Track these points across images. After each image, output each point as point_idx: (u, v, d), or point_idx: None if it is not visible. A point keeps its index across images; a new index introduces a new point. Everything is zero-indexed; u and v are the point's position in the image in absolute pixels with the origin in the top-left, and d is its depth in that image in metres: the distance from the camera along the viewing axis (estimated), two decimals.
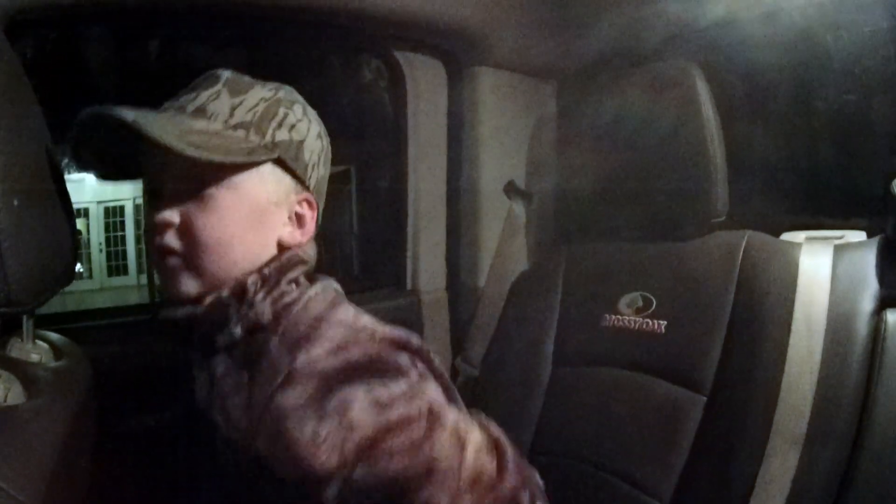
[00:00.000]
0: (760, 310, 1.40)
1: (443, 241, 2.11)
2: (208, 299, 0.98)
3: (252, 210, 1.00)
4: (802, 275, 1.38)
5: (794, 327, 1.34)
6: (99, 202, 16.43)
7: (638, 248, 1.63)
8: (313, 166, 1.07)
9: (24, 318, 1.11)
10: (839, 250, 1.40)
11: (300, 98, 1.09)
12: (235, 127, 0.98)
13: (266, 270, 1.01)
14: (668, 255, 1.61)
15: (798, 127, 1.92)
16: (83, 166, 1.05)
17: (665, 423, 1.45)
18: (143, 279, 14.64)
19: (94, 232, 16.41)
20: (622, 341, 1.58)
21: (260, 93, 1.02)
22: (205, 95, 0.99)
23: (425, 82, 1.99)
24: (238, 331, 0.99)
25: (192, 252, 0.97)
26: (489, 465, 0.96)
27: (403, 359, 0.96)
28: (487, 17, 1.81)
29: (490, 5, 1.79)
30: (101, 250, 16.25)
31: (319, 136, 1.09)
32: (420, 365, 0.98)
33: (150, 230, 0.99)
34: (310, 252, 1.09)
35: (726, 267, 1.49)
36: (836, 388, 1.26)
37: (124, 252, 16.45)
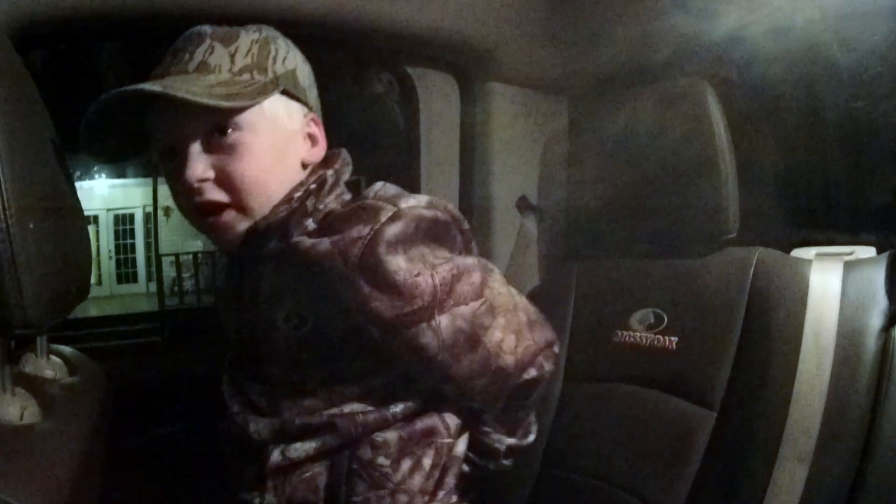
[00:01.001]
0: (771, 327, 1.39)
1: None
2: (282, 208, 1.07)
3: (277, 142, 1.08)
4: (812, 292, 1.38)
5: (803, 344, 1.34)
6: (108, 210, 16.51)
7: (649, 265, 1.63)
8: (309, 87, 1.15)
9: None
10: (849, 267, 1.39)
11: (275, 30, 1.15)
12: (240, 72, 1.05)
13: (328, 171, 1.12)
14: (680, 271, 1.61)
15: (808, 142, 1.92)
16: (95, 153, 1.09)
17: (675, 440, 1.45)
18: (153, 287, 14.66)
19: (103, 239, 16.47)
20: (633, 358, 1.58)
21: (248, 36, 1.09)
22: (200, 52, 1.05)
23: (437, 98, 2.00)
24: (311, 223, 1.09)
25: (238, 198, 1.05)
26: (536, 311, 1.14)
27: (455, 231, 1.11)
28: (498, 33, 1.82)
29: (500, 22, 1.79)
30: (110, 258, 16.32)
31: (304, 60, 1.17)
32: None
33: (184, 191, 1.05)
34: (346, 156, 1.20)
35: (738, 284, 1.48)
36: (845, 404, 1.25)
37: (133, 260, 16.52)
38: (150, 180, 14.69)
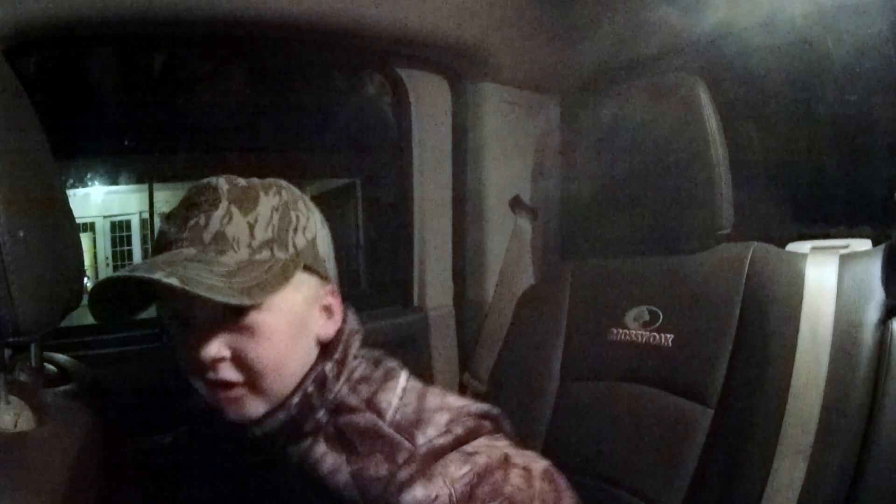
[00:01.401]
0: (767, 322, 1.40)
1: (449, 257, 2.12)
2: (295, 400, 1.03)
3: (294, 322, 1.03)
4: (808, 286, 1.38)
5: (800, 338, 1.34)
6: (105, 216, 16.46)
7: (644, 262, 1.63)
8: (327, 255, 1.10)
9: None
10: (844, 260, 1.40)
11: (294, 189, 1.10)
12: (260, 247, 1.00)
13: (337, 355, 1.08)
14: (675, 268, 1.61)
15: (801, 135, 1.91)
16: (105, 320, 1.03)
17: (672, 436, 1.45)
18: None
19: (100, 246, 16.41)
20: (629, 355, 1.58)
21: (267, 201, 1.03)
22: (215, 218, 0.99)
23: (429, 98, 2.00)
24: (323, 415, 1.05)
25: (254, 379, 1.01)
26: (549, 490, 1.02)
27: (487, 425, 1.06)
28: (488, 33, 1.82)
29: (490, 22, 1.79)
30: (108, 265, 16.27)
31: (322, 222, 1.12)
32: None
33: (195, 364, 1.00)
34: (353, 322, 1.15)
35: (732, 279, 1.49)
36: (843, 398, 1.26)
37: None
38: (145, 186, 14.68)
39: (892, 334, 1.26)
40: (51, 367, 1.17)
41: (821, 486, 1.24)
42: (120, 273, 0.93)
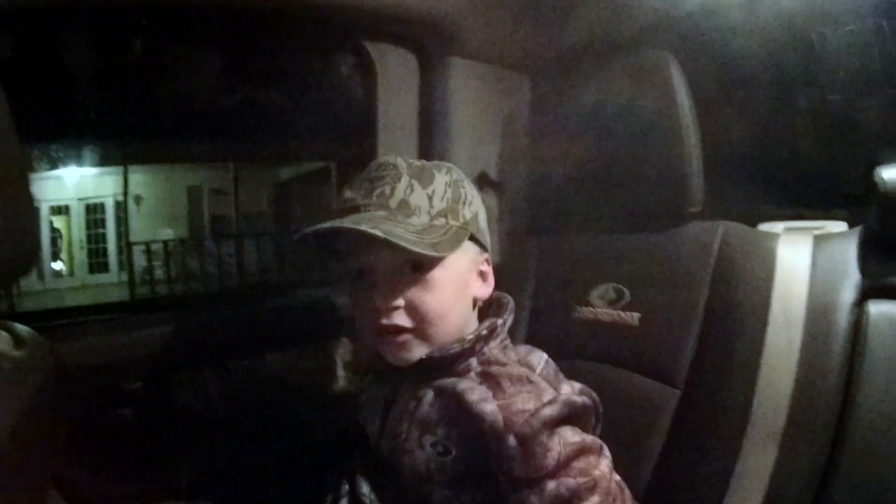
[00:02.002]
0: (736, 301, 1.38)
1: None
2: (455, 349, 1.19)
3: (459, 280, 1.21)
4: (780, 265, 1.36)
5: (771, 319, 1.32)
6: (80, 199, 16.34)
7: (611, 240, 1.60)
8: (485, 229, 1.27)
9: None
10: (819, 241, 1.38)
11: (460, 171, 1.28)
12: (437, 215, 1.18)
13: (499, 321, 1.24)
14: (642, 246, 1.58)
15: (777, 116, 1.90)
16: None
17: (639, 418, 1.43)
18: (124, 276, 14.56)
19: (75, 229, 16.31)
20: (594, 334, 1.55)
21: (441, 178, 1.21)
22: (400, 189, 1.17)
23: (397, 74, 1.95)
24: (475, 363, 1.21)
25: (422, 327, 1.18)
26: (620, 494, 1.14)
27: (592, 415, 1.21)
28: (458, 6, 1.77)
29: None
30: (82, 248, 16.16)
31: (482, 201, 1.28)
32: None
33: (372, 312, 1.18)
34: (511, 305, 1.30)
35: (701, 258, 1.46)
36: (816, 381, 1.24)
37: (105, 249, 16.37)
38: (120, 169, 14.59)
39: (867, 316, 1.25)
40: (4, 333, 1.15)
41: (793, 469, 1.22)
42: (326, 225, 1.14)
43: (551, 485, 1.07)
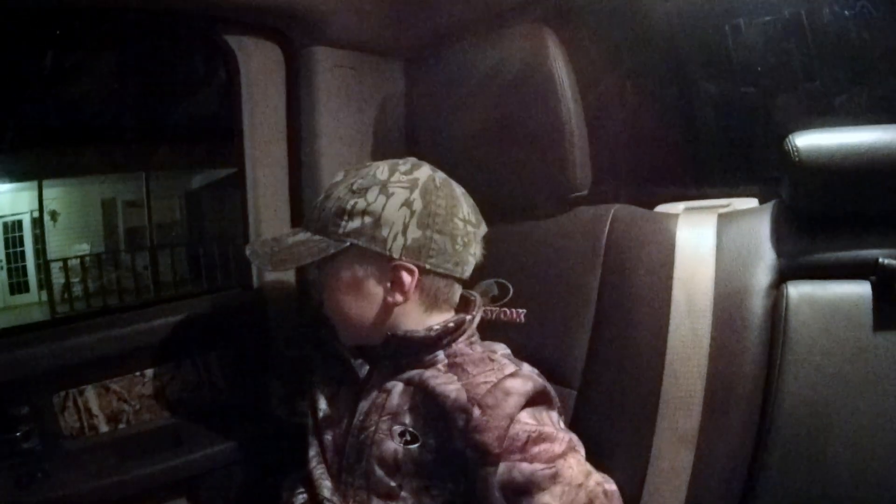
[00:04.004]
0: (632, 290, 1.30)
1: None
2: (420, 332, 1.25)
3: (352, 288, 1.28)
4: (680, 249, 1.28)
5: (673, 307, 1.24)
6: None
7: (493, 232, 1.46)
8: (396, 235, 1.22)
9: None
10: (724, 219, 1.30)
11: (395, 172, 1.27)
12: (317, 230, 1.27)
13: (466, 317, 1.29)
14: (525, 236, 1.49)
15: (675, 90, 1.83)
16: None
17: None
18: (44, 296, 14.29)
19: None
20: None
21: (340, 189, 1.26)
22: (316, 203, 1.31)
23: (260, 68, 1.82)
24: (441, 356, 1.26)
25: (334, 321, 1.34)
26: (604, 500, 1.14)
27: (552, 400, 1.24)
28: None
29: None
30: (1, 268, 15.81)
31: (406, 203, 1.23)
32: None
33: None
34: (480, 302, 1.35)
35: (590, 245, 1.38)
36: (731, 375, 1.16)
37: (24, 269, 16.03)
38: (34, 184, 14.29)
39: (786, 299, 1.17)
40: None
41: (713, 474, 1.15)
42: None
43: (501, 468, 1.10)
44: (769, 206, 1.30)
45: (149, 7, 1.60)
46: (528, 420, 1.13)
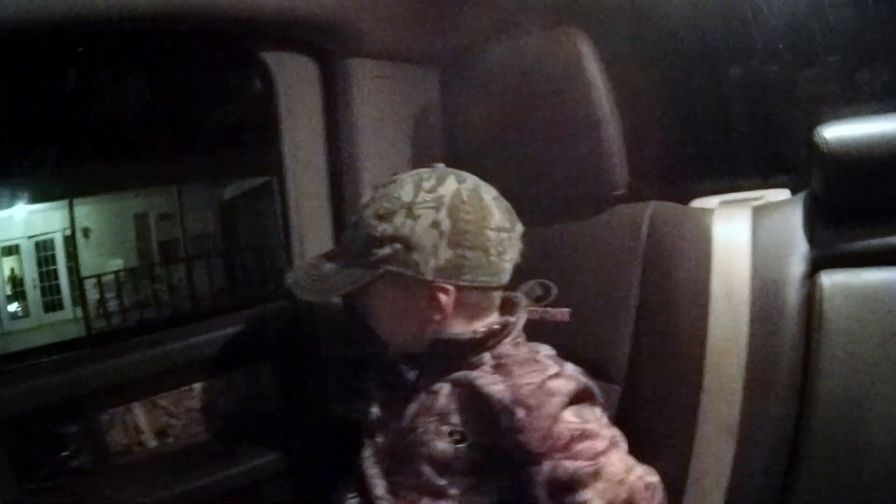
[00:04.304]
0: (672, 285, 1.32)
1: (330, 244, 1.95)
2: (467, 334, 1.29)
3: (393, 310, 1.34)
4: (718, 243, 1.30)
5: (712, 301, 1.26)
6: (30, 237, 16.13)
7: (534, 233, 1.49)
8: (427, 258, 1.23)
9: None
10: (759, 212, 1.31)
11: (419, 191, 1.27)
12: (356, 257, 1.30)
13: (511, 319, 1.33)
14: (567, 236, 1.52)
15: (705, 86, 1.84)
16: None
17: None
18: (79, 312, 14.40)
19: (27, 269, 16.08)
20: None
21: (367, 218, 1.28)
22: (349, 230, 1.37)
23: (297, 82, 1.84)
24: (488, 357, 1.29)
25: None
26: (645, 493, 1.17)
27: (595, 397, 1.27)
28: (355, 4, 1.68)
29: None
30: (35, 287, 15.96)
31: (434, 224, 1.23)
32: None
33: None
34: (524, 303, 1.39)
35: (630, 242, 1.40)
36: (769, 365, 1.18)
37: (58, 286, 16.18)
38: (66, 202, 14.44)
39: (820, 288, 1.18)
40: None
41: (754, 463, 1.16)
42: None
43: (546, 466, 1.14)
44: (801, 198, 1.31)
45: (183, 29, 1.62)
46: (571, 418, 1.17)
